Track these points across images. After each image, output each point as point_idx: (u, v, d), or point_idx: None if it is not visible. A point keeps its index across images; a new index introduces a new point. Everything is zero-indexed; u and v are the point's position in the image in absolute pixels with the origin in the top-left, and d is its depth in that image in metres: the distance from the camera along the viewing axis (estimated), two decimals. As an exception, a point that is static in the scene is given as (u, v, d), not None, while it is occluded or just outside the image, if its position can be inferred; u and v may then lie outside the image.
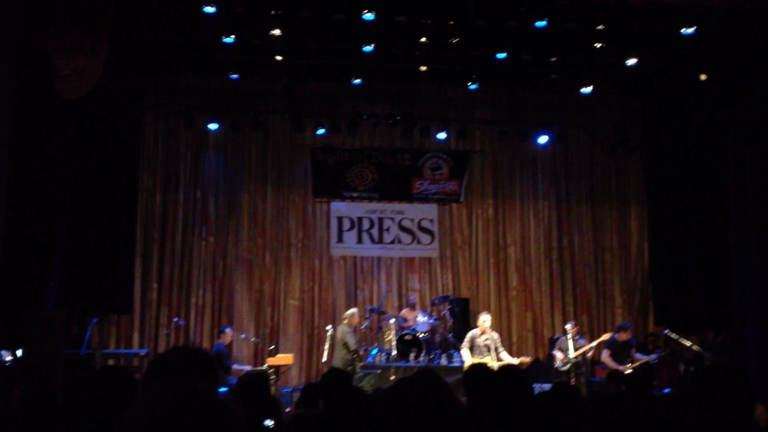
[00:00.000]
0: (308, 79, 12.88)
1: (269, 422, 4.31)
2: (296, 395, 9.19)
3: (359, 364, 10.47)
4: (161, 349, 12.02)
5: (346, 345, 10.51)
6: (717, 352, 10.93)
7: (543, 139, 13.37)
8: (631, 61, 11.15)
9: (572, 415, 1.50)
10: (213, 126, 12.82)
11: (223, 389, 9.93)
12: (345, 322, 10.94)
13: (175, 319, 12.27)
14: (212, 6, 9.59)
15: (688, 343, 11.01)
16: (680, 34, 9.88)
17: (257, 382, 5.03)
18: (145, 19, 10.49)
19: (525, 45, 11.03)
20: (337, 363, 10.38)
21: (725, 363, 9.83)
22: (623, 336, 10.70)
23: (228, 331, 11.28)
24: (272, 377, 10.50)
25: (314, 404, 5.14)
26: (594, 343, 11.06)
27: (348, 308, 13.01)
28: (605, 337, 11.13)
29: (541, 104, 13.64)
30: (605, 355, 10.70)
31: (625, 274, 13.81)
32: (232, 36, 10.59)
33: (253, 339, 12.54)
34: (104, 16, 8.27)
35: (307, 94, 13.26)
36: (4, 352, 8.56)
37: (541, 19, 9.74)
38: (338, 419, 3.77)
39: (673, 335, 11.26)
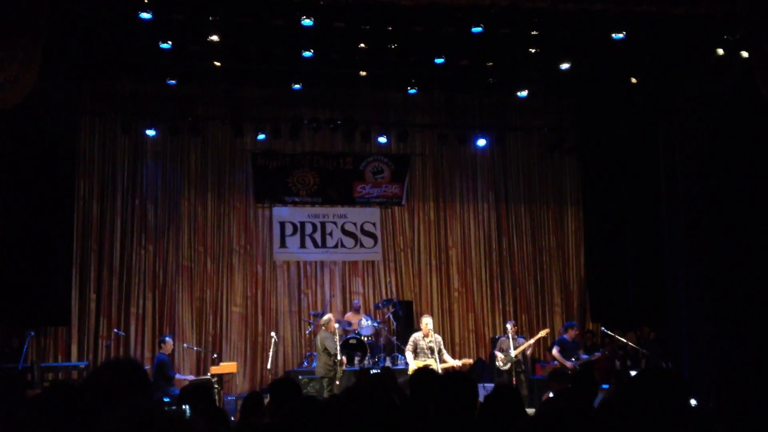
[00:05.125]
0: (248, 84, 12.81)
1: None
2: (241, 403, 9.13)
3: (341, 369, 10.24)
4: (101, 361, 11.76)
5: (326, 350, 10.18)
6: (652, 347, 11.27)
7: (481, 142, 13.60)
8: (565, 65, 11.41)
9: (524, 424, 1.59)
10: (151, 132, 12.63)
11: (165, 399, 9.79)
12: (323, 328, 10.51)
13: (115, 330, 12.06)
14: (148, 12, 9.45)
15: (623, 340, 11.34)
16: (611, 38, 10.15)
17: (200, 392, 5.01)
18: (81, 25, 10.27)
19: (462, 50, 11.19)
20: (320, 370, 10.22)
21: (660, 366, 10.18)
22: (572, 334, 10.95)
23: (168, 340, 11.11)
24: (216, 386, 10.40)
25: (258, 412, 5.14)
26: (532, 341, 11.29)
27: (291, 314, 13.05)
28: (542, 333, 11.36)
29: (479, 108, 13.87)
30: (555, 351, 10.84)
31: (563, 273, 14.12)
32: (169, 42, 10.41)
33: (195, 348, 12.39)
34: (37, 23, 8.08)
35: (247, 99, 13.20)
36: None
37: (477, 25, 9.88)
38: (286, 428, 3.79)
39: (609, 332, 11.59)
